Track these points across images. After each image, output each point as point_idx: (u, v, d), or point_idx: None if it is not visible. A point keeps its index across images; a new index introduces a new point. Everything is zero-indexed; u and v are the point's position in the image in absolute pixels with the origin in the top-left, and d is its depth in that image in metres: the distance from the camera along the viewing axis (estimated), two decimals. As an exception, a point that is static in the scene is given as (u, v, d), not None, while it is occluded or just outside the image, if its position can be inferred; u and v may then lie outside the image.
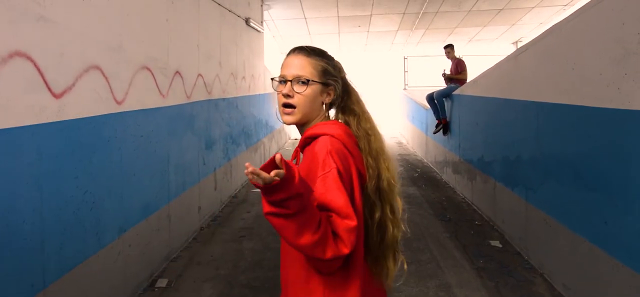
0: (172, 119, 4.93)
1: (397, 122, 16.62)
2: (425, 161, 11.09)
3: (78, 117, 3.25)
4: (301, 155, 1.68)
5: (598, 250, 3.46)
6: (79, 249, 3.26)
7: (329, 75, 1.64)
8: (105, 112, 3.62)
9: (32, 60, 2.78)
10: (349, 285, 1.48)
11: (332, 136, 1.53)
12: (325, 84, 1.63)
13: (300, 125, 1.67)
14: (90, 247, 3.40)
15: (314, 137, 1.58)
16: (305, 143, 1.63)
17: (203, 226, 5.94)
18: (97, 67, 3.50)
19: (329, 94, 1.65)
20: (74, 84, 3.19)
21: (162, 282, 4.33)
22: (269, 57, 11.81)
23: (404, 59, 16.31)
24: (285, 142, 14.42)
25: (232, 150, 7.58)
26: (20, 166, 2.71)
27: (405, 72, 16.24)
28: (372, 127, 1.67)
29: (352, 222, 1.35)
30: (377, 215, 1.58)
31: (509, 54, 5.91)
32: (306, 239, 1.29)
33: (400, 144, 14.54)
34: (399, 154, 12.28)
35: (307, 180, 1.38)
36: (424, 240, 5.44)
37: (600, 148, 3.45)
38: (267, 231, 5.79)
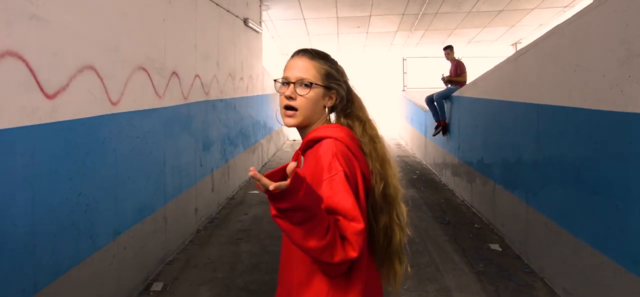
0: (168, 120, 4.87)
1: (396, 124, 16.57)
2: (424, 162, 11.04)
3: (72, 118, 3.19)
4: (302, 158, 1.67)
5: (600, 255, 3.40)
6: (73, 252, 3.20)
7: (332, 79, 1.64)
8: (100, 113, 3.56)
9: (24, 60, 2.72)
10: (352, 287, 1.48)
11: (337, 139, 1.53)
12: (327, 88, 1.63)
13: (301, 128, 1.67)
14: (84, 250, 3.34)
15: (316, 140, 1.58)
16: (308, 146, 1.62)
17: (200, 228, 5.88)
18: (92, 68, 3.45)
19: (331, 98, 1.65)
20: (67, 85, 3.14)
21: (157, 286, 4.27)
22: (267, 57, 11.76)
23: (403, 60, 16.27)
24: (284, 144, 14.37)
25: (230, 151, 7.52)
26: (12, 167, 2.66)
27: (404, 73, 16.21)
28: (377, 134, 1.67)
29: (360, 225, 1.35)
30: (385, 219, 1.60)
31: (508, 55, 5.87)
32: (313, 243, 1.28)
33: (399, 145, 14.48)
34: (398, 156, 12.22)
35: (312, 184, 1.35)
36: (423, 243, 5.39)
37: (603, 151, 3.40)
38: (264, 233, 5.74)
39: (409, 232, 1.71)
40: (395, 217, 1.63)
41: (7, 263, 2.60)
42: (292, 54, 1.69)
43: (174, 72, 5.02)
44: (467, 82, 8.30)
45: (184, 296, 4.15)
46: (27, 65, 2.75)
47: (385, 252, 1.64)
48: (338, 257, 1.32)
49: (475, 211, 6.68)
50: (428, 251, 5.14)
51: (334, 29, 13.83)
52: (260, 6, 10.44)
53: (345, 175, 1.43)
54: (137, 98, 4.19)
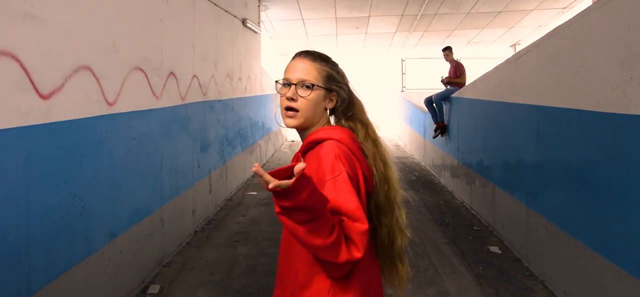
0: (165, 121, 4.83)
1: (395, 125, 16.55)
2: (423, 164, 11.01)
3: (67, 119, 3.14)
4: (302, 159, 1.66)
5: (601, 258, 3.37)
6: (67, 255, 3.15)
7: (334, 81, 1.65)
8: (96, 114, 3.51)
9: (18, 60, 2.67)
10: (352, 287, 1.48)
11: (338, 141, 1.53)
12: (328, 90, 1.64)
13: (302, 130, 1.67)
14: (79, 253, 3.29)
15: (317, 142, 1.58)
16: (308, 147, 1.62)
17: (197, 229, 5.83)
18: (88, 68, 3.40)
19: (331, 100, 1.66)
20: (62, 85, 3.09)
21: (154, 289, 4.22)
22: (265, 58, 11.72)
23: (402, 61, 16.25)
24: (282, 145, 14.33)
25: (228, 152, 7.48)
26: (6, 169, 2.61)
27: (403, 74, 16.18)
28: (378, 137, 1.70)
29: (364, 226, 1.36)
30: (388, 221, 1.62)
31: (507, 56, 5.84)
32: (318, 242, 1.29)
33: (397, 146, 14.45)
34: (397, 157, 12.18)
35: (318, 183, 1.36)
36: (422, 245, 5.35)
37: (605, 154, 3.36)
38: (262, 235, 5.70)
39: (408, 234, 1.71)
40: (396, 219, 1.64)
41: (1, 265, 2.56)
42: (293, 55, 1.69)
43: (171, 73, 4.98)
44: (467, 83, 8.27)
45: (180, 298, 4.11)
46: (21, 65, 2.70)
47: (388, 254, 1.66)
48: (343, 257, 1.33)
49: (474, 213, 6.64)
50: (427, 253, 5.10)
51: (332, 30, 13.79)
52: (258, 6, 10.40)
53: (348, 176, 1.43)
54: (134, 99, 4.14)
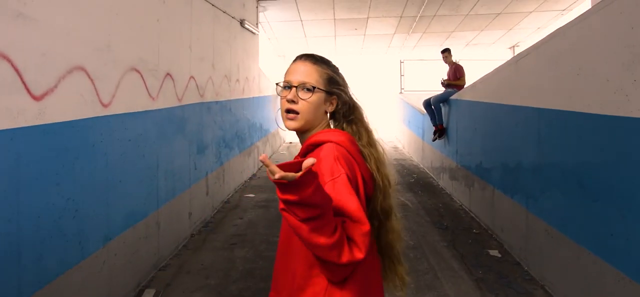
0: (162, 122, 4.77)
1: (393, 127, 16.50)
2: (422, 166, 10.96)
3: (60, 121, 3.09)
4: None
5: (603, 263, 3.32)
6: (60, 260, 3.10)
7: (335, 84, 1.65)
8: (90, 116, 3.46)
9: (9, 60, 2.62)
10: (349, 289, 1.47)
11: (337, 143, 1.53)
12: (329, 93, 1.64)
13: (301, 133, 1.67)
14: (73, 257, 3.23)
15: (317, 145, 1.58)
16: (308, 150, 1.61)
17: (194, 232, 5.77)
18: (82, 68, 3.35)
19: (332, 103, 1.66)
20: (56, 86, 3.04)
21: (149, 293, 4.16)
22: (264, 59, 11.67)
23: (400, 62, 16.20)
24: (280, 146, 14.28)
25: (225, 154, 7.42)
26: (-4, 172, 2.56)
27: (401, 76, 16.13)
28: (378, 142, 1.71)
29: (366, 227, 1.36)
30: (387, 225, 1.64)
31: (505, 58, 5.80)
32: (321, 241, 1.28)
33: (396, 148, 14.40)
34: (395, 159, 12.14)
35: None
36: (421, 249, 5.29)
37: (607, 157, 3.31)
38: (260, 238, 5.64)
39: (404, 238, 1.72)
40: (394, 223, 1.65)
41: (-10, 272, 2.50)
42: (294, 58, 1.69)
43: (167, 74, 4.93)
44: (466, 85, 8.23)
45: (176, 303, 4.05)
46: (13, 65, 2.65)
47: (388, 257, 1.68)
48: (345, 257, 1.32)
49: (473, 215, 6.59)
50: (426, 257, 5.05)
51: (331, 31, 13.75)
52: (257, 7, 10.35)
53: (348, 178, 1.43)
54: (130, 100, 4.09)
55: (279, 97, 1.67)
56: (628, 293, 3.02)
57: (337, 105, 1.67)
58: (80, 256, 3.32)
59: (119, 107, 3.88)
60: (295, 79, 1.61)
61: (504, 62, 5.87)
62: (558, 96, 4.00)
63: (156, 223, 4.62)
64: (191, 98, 5.70)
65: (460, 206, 7.24)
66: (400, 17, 12.23)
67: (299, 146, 1.70)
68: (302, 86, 1.59)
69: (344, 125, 1.68)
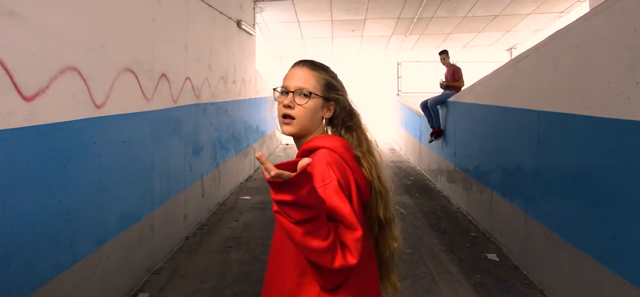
0: (157, 124, 4.71)
1: (390, 128, 16.46)
2: (419, 168, 10.91)
3: (52, 122, 3.03)
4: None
5: (604, 268, 3.27)
6: (51, 264, 3.03)
7: (332, 89, 1.65)
8: (83, 117, 3.39)
9: (-2, 60, 2.56)
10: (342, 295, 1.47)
11: (331, 149, 1.53)
12: (327, 99, 1.64)
13: (298, 138, 1.67)
14: (64, 262, 3.17)
15: (312, 150, 1.57)
16: (303, 156, 1.58)
17: (189, 235, 5.71)
18: (75, 69, 3.29)
19: (329, 110, 1.66)
20: (47, 87, 2.98)
21: (143, 297, 4.11)
22: (260, 60, 11.62)
23: (398, 64, 16.15)
24: (276, 148, 14.22)
25: (221, 156, 7.36)
26: (-16, 174, 2.50)
27: (398, 77, 16.08)
28: (376, 150, 1.70)
29: (358, 232, 1.35)
30: (383, 233, 1.64)
31: (503, 60, 5.76)
32: (315, 244, 1.28)
33: (393, 150, 14.35)
34: (392, 161, 12.09)
35: None
36: (418, 252, 5.24)
37: (608, 160, 3.26)
38: (255, 241, 5.58)
39: (399, 245, 1.71)
40: (391, 230, 1.65)
41: (-23, 277, 2.44)
42: (293, 64, 1.70)
43: (163, 74, 4.87)
44: (463, 87, 8.19)
45: (170, 307, 3.99)
46: (3, 65, 2.59)
47: (385, 264, 1.69)
48: (338, 262, 1.32)
49: (471, 219, 6.54)
50: (423, 260, 5.00)
51: (328, 33, 13.71)
52: (253, 8, 10.30)
53: (339, 183, 1.43)
54: (124, 101, 4.03)
55: (276, 102, 1.68)
56: (629, 299, 2.98)
57: (335, 112, 1.67)
58: (71, 260, 3.26)
59: (113, 108, 3.82)
60: (292, 85, 1.61)
61: (503, 64, 5.82)
62: (558, 98, 3.96)
63: (150, 226, 4.55)
64: (187, 99, 5.64)
65: (458, 208, 7.19)
66: (398, 18, 12.19)
67: (296, 148, 1.71)
68: (299, 92, 1.60)
69: (342, 131, 1.67)
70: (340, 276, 1.41)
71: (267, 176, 1.18)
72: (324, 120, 1.67)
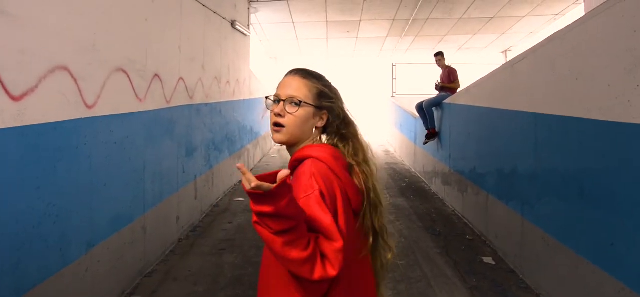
0: (149, 124, 4.64)
1: (385, 130, 16.44)
2: (413, 170, 10.88)
3: (41, 123, 2.96)
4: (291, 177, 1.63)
5: (603, 273, 3.23)
6: (40, 267, 2.96)
7: (325, 98, 1.64)
8: (74, 117, 3.32)
9: (-15, 58, 2.49)
10: None
11: (318, 159, 1.53)
12: (319, 108, 1.63)
13: (290, 147, 1.67)
14: (53, 265, 3.10)
15: (301, 160, 1.57)
16: (294, 166, 1.61)
17: (181, 237, 5.64)
18: (65, 68, 3.22)
19: (322, 118, 1.65)
20: (36, 86, 2.91)
21: (134, 300, 4.04)
22: (255, 61, 11.55)
23: (393, 66, 16.12)
24: (270, 149, 14.16)
25: (215, 157, 7.29)
26: (-30, 176, 2.43)
27: (393, 79, 16.05)
28: (371, 159, 1.69)
29: (338, 244, 1.34)
30: (377, 242, 1.64)
31: (498, 62, 5.72)
32: (294, 255, 1.28)
33: (387, 152, 14.32)
34: (387, 163, 12.05)
35: None
36: (414, 256, 5.19)
37: (608, 164, 3.22)
38: (249, 243, 5.51)
39: (392, 257, 1.71)
40: (384, 240, 1.66)
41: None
42: (286, 72, 1.69)
43: (156, 75, 4.80)
44: (459, 90, 8.15)
45: (162, 311, 3.92)
46: (-10, 64, 2.52)
47: (377, 275, 1.70)
48: (318, 273, 1.31)
49: (467, 221, 6.50)
50: (419, 264, 4.95)
51: (323, 34, 13.66)
52: (248, 9, 10.23)
53: (322, 194, 1.42)
54: (116, 101, 3.96)
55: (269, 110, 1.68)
56: (629, 305, 2.93)
57: (328, 120, 1.66)
58: (61, 263, 3.19)
59: (104, 109, 3.75)
60: (284, 93, 1.61)
61: (499, 66, 5.79)
62: (556, 101, 3.92)
63: (142, 228, 4.48)
64: (180, 100, 5.57)
65: (453, 211, 7.15)
66: (393, 20, 12.15)
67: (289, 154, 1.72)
68: (290, 100, 1.60)
69: (337, 140, 1.67)
70: (322, 288, 1.40)
71: (247, 186, 1.19)
72: (317, 129, 1.66)
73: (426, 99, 8.73)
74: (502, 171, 5.22)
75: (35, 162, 2.92)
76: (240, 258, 5.05)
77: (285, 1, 10.54)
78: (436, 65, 9.13)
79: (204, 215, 6.67)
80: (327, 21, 12.26)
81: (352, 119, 1.72)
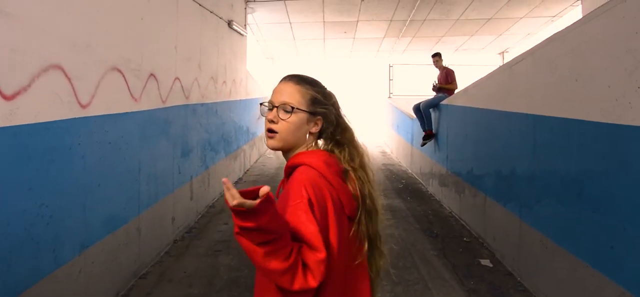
0: (144, 124, 4.60)
1: (382, 131, 16.40)
2: (410, 171, 10.85)
3: (33, 122, 2.91)
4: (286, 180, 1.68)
5: (602, 277, 3.20)
6: (32, 269, 2.91)
7: (318, 104, 1.64)
8: (67, 117, 3.28)
9: (-24, 56, 2.44)
10: None
11: (310, 166, 1.54)
12: (312, 114, 1.63)
13: (285, 152, 1.67)
14: (46, 267, 3.05)
15: (295, 167, 1.58)
16: (289, 172, 1.62)
17: (177, 238, 5.59)
18: (59, 67, 3.17)
19: (316, 124, 1.65)
20: (29, 85, 2.86)
21: (128, 303, 3.99)
22: (252, 61, 11.51)
23: (390, 67, 16.09)
24: (266, 150, 14.10)
25: (211, 157, 7.25)
26: (-40, 176, 2.38)
27: (390, 80, 16.03)
28: (368, 164, 1.69)
29: (321, 254, 1.34)
30: (371, 248, 1.65)
31: (495, 63, 5.70)
32: (275, 265, 1.29)
33: (384, 153, 14.30)
34: (383, 164, 12.02)
35: (283, 210, 1.42)
36: (411, 258, 5.15)
37: (608, 166, 3.19)
38: (245, 244, 5.46)
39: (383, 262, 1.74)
40: (378, 246, 1.68)
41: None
42: (280, 79, 1.70)
43: (151, 74, 4.75)
44: (456, 91, 8.13)
45: (156, 314, 3.88)
46: (-19, 62, 2.47)
47: (375, 280, 1.71)
48: (298, 284, 1.32)
49: (464, 223, 6.47)
50: (416, 266, 4.91)
51: (320, 34, 13.62)
52: (245, 9, 10.19)
53: (310, 203, 1.42)
54: (110, 101, 3.91)
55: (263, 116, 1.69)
56: (629, 309, 2.90)
57: (322, 126, 1.65)
58: (54, 265, 3.14)
59: (98, 108, 3.71)
60: (277, 100, 1.62)
61: (497, 67, 5.76)
62: (555, 103, 3.89)
63: (137, 229, 4.43)
64: (176, 100, 5.53)
65: (450, 213, 7.12)
66: (390, 20, 12.12)
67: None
68: (282, 107, 1.60)
69: (332, 146, 1.66)
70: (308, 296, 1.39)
71: (230, 202, 1.19)
72: (311, 135, 1.65)
73: (423, 100, 8.70)
74: (500, 172, 5.19)
75: (28, 163, 2.87)
76: (236, 260, 5.00)
77: (282, 1, 10.50)
78: (433, 66, 9.11)
79: (200, 216, 6.62)
80: (324, 22, 12.23)
81: (349, 123, 1.72)
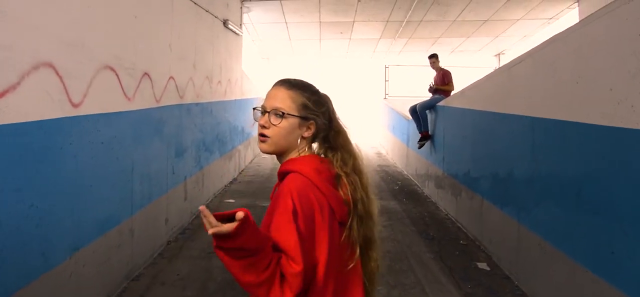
0: (138, 124, 4.52)
1: (377, 132, 16.37)
2: (406, 173, 10.80)
3: (23, 121, 2.83)
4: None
5: (602, 282, 3.15)
6: (20, 273, 2.83)
7: (309, 109, 1.64)
8: (58, 116, 3.20)
9: (-37, 53, 2.37)
10: None
11: (300, 173, 1.54)
12: (304, 118, 1.63)
13: (278, 156, 1.69)
14: (34, 270, 2.97)
15: (286, 173, 1.58)
16: (281, 179, 1.62)
17: (170, 239, 5.51)
18: (50, 65, 3.10)
19: (308, 129, 1.65)
20: (19, 83, 2.79)
21: (120, 306, 3.91)
22: (247, 61, 11.44)
23: (385, 67, 16.06)
24: (262, 150, 14.03)
25: (205, 158, 7.17)
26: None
27: (386, 81, 15.99)
28: (363, 168, 1.69)
29: (298, 267, 1.36)
30: (372, 253, 1.67)
31: (491, 65, 5.66)
32: (250, 279, 1.32)
33: (379, 154, 14.25)
34: (379, 165, 11.98)
35: (270, 216, 1.49)
36: (407, 261, 5.10)
37: (609, 169, 3.14)
38: (239, 246, 5.39)
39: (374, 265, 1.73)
40: (374, 251, 1.69)
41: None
42: (273, 83, 1.71)
43: (145, 73, 4.68)
44: (453, 92, 8.08)
45: (149, 317, 3.80)
46: (-32, 59, 2.40)
47: (370, 288, 1.72)
48: (273, 295, 1.34)
49: (460, 225, 6.43)
50: (412, 269, 4.85)
51: (316, 34, 13.57)
52: (241, 8, 10.12)
53: (294, 213, 1.43)
54: (103, 100, 3.84)
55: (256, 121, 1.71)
56: (630, 315, 2.85)
57: (315, 130, 1.66)
58: (44, 268, 3.07)
59: (91, 108, 3.63)
60: (269, 105, 1.63)
61: (495, 69, 5.71)
62: (554, 105, 3.84)
63: (130, 230, 4.36)
64: (170, 99, 5.45)
65: (446, 215, 7.07)
66: (387, 21, 12.08)
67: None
68: (274, 112, 1.61)
69: (325, 150, 1.68)
70: None
71: (208, 229, 1.25)
72: (304, 139, 1.66)
73: (420, 101, 8.65)
74: (497, 175, 5.14)
75: (16, 162, 2.80)
76: (230, 262, 4.93)
77: (278, 1, 10.43)
78: (429, 68, 9.07)
79: (194, 217, 6.54)
80: (320, 22, 12.17)
81: (343, 127, 1.72)
